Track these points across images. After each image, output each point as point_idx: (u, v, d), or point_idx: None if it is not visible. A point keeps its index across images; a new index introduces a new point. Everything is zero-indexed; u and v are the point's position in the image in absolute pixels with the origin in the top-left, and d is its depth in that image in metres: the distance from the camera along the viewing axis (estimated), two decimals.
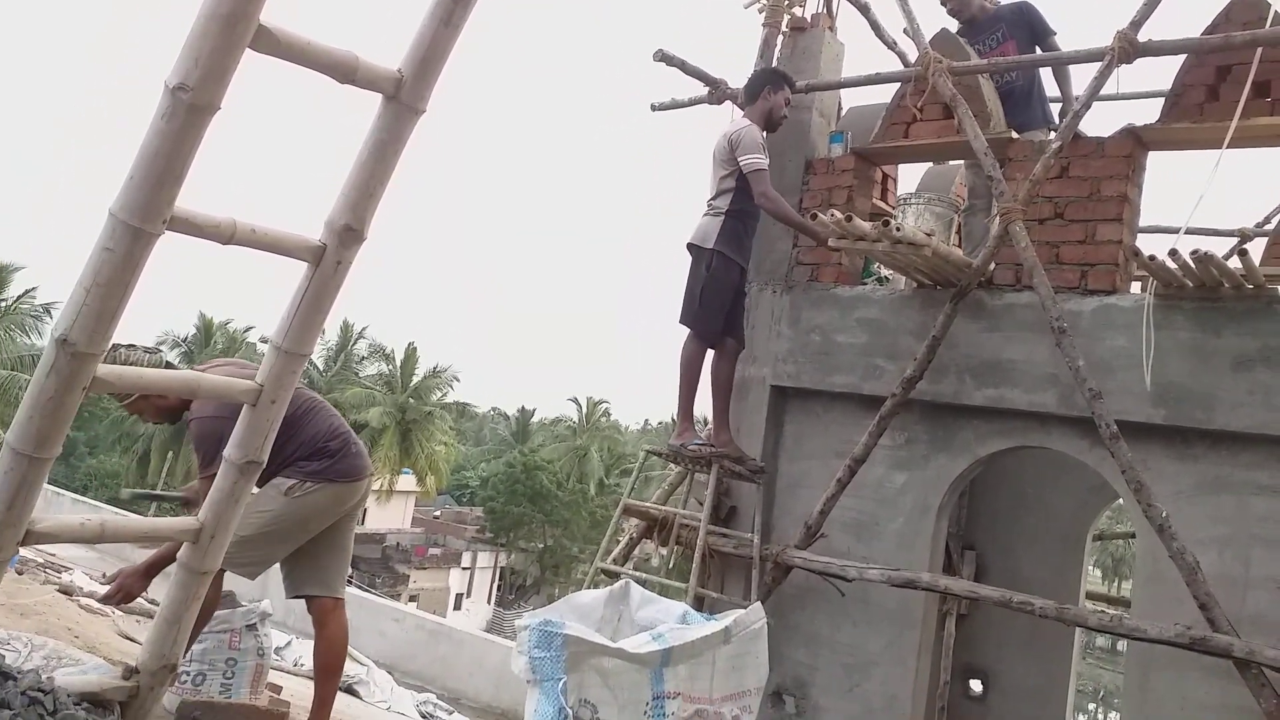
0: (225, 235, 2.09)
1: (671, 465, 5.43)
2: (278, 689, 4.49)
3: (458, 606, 38.70)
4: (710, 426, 5.20)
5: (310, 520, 3.66)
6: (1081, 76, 5.15)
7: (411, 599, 32.39)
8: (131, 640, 5.61)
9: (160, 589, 3.42)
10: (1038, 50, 5.42)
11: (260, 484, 3.64)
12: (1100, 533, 6.93)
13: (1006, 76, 5.32)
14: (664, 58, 5.56)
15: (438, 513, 46.22)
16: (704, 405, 5.14)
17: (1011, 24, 5.49)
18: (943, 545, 4.94)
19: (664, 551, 5.06)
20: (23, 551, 7.70)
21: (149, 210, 1.93)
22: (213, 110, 1.87)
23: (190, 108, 1.81)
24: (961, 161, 5.70)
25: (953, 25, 5.59)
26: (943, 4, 5.75)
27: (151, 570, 3.63)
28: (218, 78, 1.81)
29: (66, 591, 7.57)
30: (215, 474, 3.00)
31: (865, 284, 5.34)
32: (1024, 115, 5.28)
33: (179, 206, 2.00)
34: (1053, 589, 5.18)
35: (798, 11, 5.84)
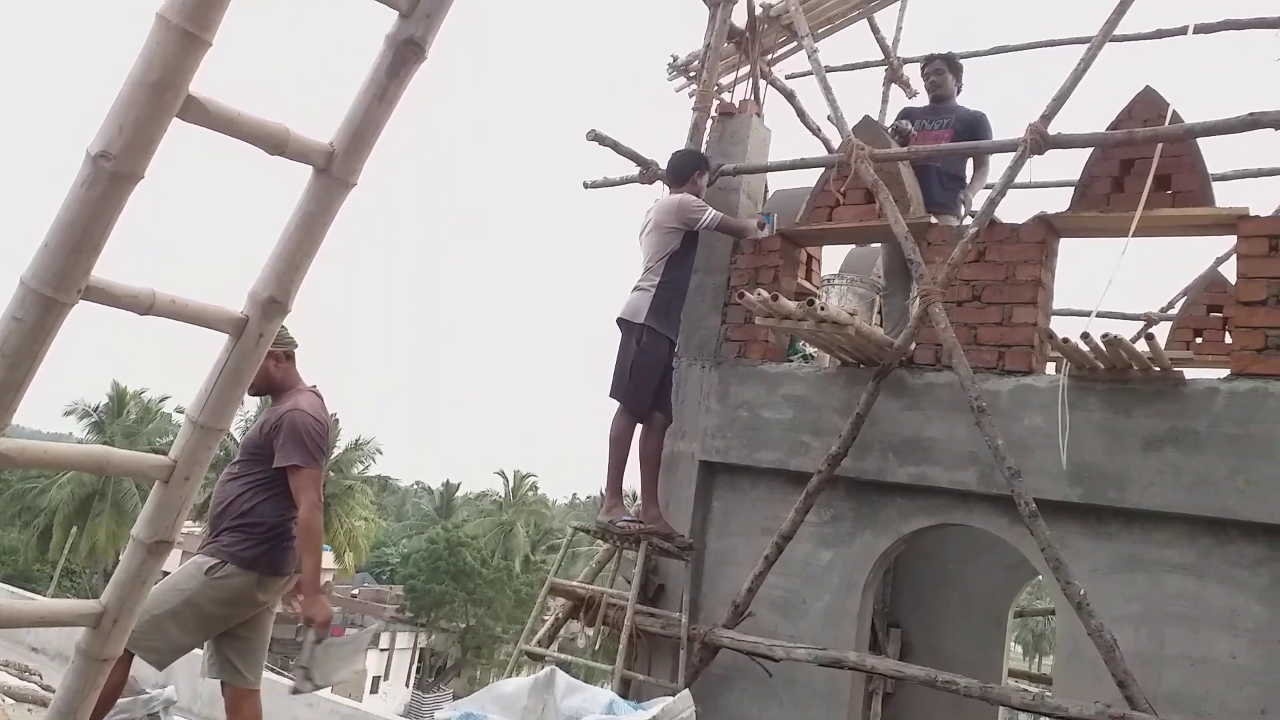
0: (144, 306, 2.02)
1: (599, 542, 5.36)
2: None
3: (375, 690, 37.25)
4: (639, 502, 5.16)
5: (226, 609, 3.54)
6: (998, 166, 5.37)
7: None
8: None
9: (58, 676, 3.22)
10: (970, 161, 5.63)
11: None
12: (1021, 609, 7.03)
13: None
14: (596, 138, 5.65)
15: (355, 591, 44.65)
16: (633, 480, 5.12)
17: (962, 120, 5.62)
18: (869, 623, 4.94)
19: (590, 632, 4.96)
20: None
21: (63, 280, 1.86)
22: (136, 179, 1.82)
23: (112, 176, 1.77)
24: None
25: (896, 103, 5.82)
26: (924, 76, 5.97)
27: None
28: (142, 147, 1.77)
29: None
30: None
31: (791, 360, 5.42)
32: (942, 198, 5.48)
33: (95, 275, 1.94)
34: (976, 666, 5.21)
35: (726, 97, 6.02)
